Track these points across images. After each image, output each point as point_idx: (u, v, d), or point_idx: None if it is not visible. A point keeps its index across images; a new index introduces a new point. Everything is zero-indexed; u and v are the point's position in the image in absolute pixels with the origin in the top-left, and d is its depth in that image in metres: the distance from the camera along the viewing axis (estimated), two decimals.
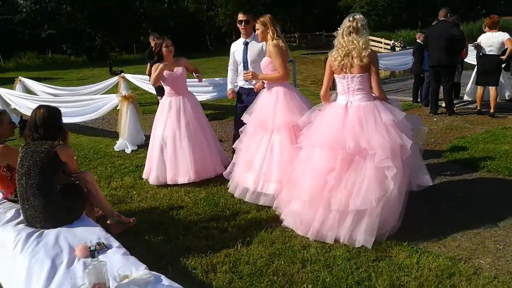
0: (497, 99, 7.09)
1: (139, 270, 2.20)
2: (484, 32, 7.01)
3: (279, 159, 3.79)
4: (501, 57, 6.74)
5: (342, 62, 3.27)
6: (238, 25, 4.47)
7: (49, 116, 3.01)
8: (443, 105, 7.56)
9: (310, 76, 17.96)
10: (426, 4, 47.67)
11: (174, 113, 4.53)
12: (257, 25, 4.00)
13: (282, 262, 2.94)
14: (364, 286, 2.65)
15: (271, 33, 3.94)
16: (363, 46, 3.22)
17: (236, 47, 4.55)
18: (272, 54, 3.87)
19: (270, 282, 2.72)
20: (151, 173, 4.59)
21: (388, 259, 2.93)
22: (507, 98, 8.27)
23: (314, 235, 3.23)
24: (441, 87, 7.42)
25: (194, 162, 4.47)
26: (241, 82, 4.59)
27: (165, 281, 2.15)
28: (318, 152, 3.32)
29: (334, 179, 3.16)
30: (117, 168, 5.28)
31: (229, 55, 4.74)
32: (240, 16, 4.43)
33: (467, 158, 4.96)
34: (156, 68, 4.43)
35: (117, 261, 2.32)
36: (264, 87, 4.10)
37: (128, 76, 9.73)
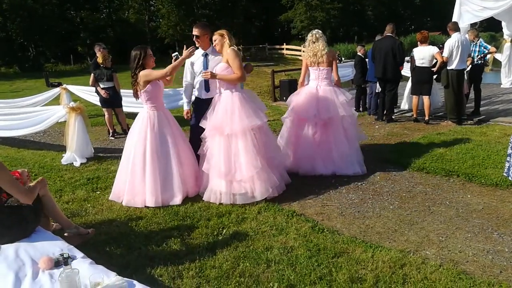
0: (430, 107, 7.76)
1: (110, 277, 2.18)
2: (417, 46, 7.68)
3: (246, 159, 4.07)
4: (432, 69, 7.40)
5: (311, 59, 5.05)
6: (193, 38, 4.55)
7: None
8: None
9: (256, 88, 18.27)
10: (360, 20, 50.77)
11: (163, 129, 4.21)
12: (215, 36, 4.24)
13: (248, 264, 3.03)
14: (326, 280, 2.80)
15: (228, 41, 4.21)
16: (322, 48, 5.01)
17: (194, 58, 4.59)
18: (230, 57, 4.12)
19: (237, 284, 2.79)
20: (140, 194, 4.15)
21: (346, 255, 3.12)
22: (438, 106, 9.03)
23: (323, 172, 4.97)
24: None
25: (190, 178, 4.37)
26: (200, 89, 4.64)
27: (138, 285, 2.15)
28: (304, 122, 5.02)
29: (319, 137, 5.01)
30: (66, 181, 5.07)
31: None
32: (193, 31, 4.54)
33: (407, 161, 5.37)
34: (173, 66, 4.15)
35: (86, 270, 2.28)
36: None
37: (71, 88, 9.39)
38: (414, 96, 7.91)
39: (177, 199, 4.18)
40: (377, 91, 8.38)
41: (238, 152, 4.11)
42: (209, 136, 4.27)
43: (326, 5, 43.23)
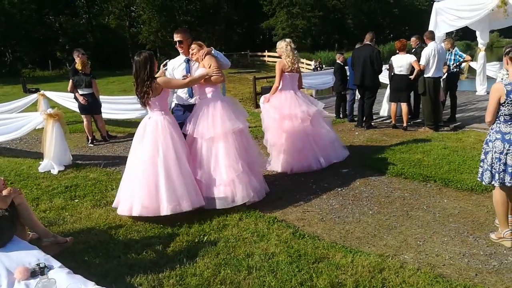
0: (408, 114, 7.92)
1: (88, 287, 2.14)
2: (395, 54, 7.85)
3: (227, 162, 4.07)
4: (410, 77, 7.57)
5: (291, 66, 5.40)
6: (175, 44, 4.53)
7: None
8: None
9: (238, 94, 18.31)
10: (340, 28, 51.63)
11: (172, 133, 4.00)
12: (193, 45, 4.29)
13: (229, 271, 3.02)
14: (306, 286, 2.82)
15: (204, 49, 4.31)
16: (298, 57, 5.58)
17: (175, 64, 4.58)
18: (206, 60, 4.21)
19: None
20: (185, 198, 3.87)
21: (326, 260, 3.15)
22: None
23: (309, 168, 5.42)
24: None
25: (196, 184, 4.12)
26: (182, 95, 4.59)
27: None
28: (289, 123, 5.32)
29: (311, 131, 5.45)
30: (44, 189, 4.96)
31: None
32: (175, 37, 4.51)
33: (386, 167, 5.47)
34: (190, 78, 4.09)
35: (63, 279, 2.24)
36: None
37: (49, 94, 9.21)
38: (392, 103, 8.07)
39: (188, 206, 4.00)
40: (356, 98, 8.53)
41: (218, 155, 4.11)
42: (190, 141, 4.26)
43: (307, 13, 43.86)
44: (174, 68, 4.59)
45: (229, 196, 4.11)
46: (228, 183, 4.09)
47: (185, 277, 2.96)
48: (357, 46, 8.52)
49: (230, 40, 41.92)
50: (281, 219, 4.00)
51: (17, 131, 6.08)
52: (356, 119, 8.53)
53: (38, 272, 2.33)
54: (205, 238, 3.58)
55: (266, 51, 36.54)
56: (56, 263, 2.52)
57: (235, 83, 21.37)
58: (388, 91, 8.78)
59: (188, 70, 4.47)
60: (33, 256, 2.56)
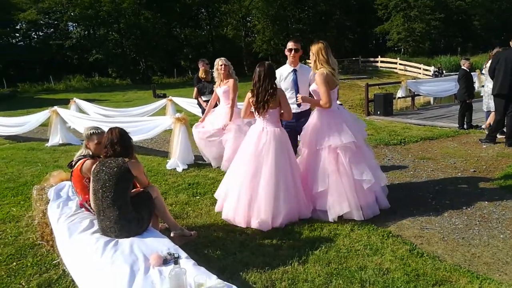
0: None
1: (211, 279, 2.33)
2: None
3: (320, 175, 4.09)
4: None
5: None
6: (287, 52, 4.54)
7: (124, 135, 3.30)
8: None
9: (348, 101, 17.97)
10: (465, 31, 46.99)
11: (280, 145, 4.03)
12: (310, 54, 4.21)
13: (341, 281, 2.99)
14: None
15: (317, 62, 4.16)
16: None
17: (283, 74, 4.61)
18: (317, 82, 4.10)
19: None
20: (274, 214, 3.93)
21: (448, 284, 2.92)
22: None
23: None
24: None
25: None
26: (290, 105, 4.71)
27: None
28: None
29: None
30: (170, 185, 5.51)
31: None
32: (291, 45, 4.51)
33: None
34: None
35: (190, 270, 2.46)
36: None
37: (176, 99, 10.20)
38: None
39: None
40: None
41: (317, 167, 4.10)
42: (303, 151, 4.37)
43: (426, 16, 40.99)
44: (282, 78, 4.61)
45: (328, 209, 4.06)
46: (337, 196, 4.02)
47: (297, 281, 3.01)
48: (496, 49, 7.51)
49: (341, 46, 41.25)
50: (396, 234, 3.81)
51: (149, 132, 6.87)
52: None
53: (169, 260, 2.60)
54: (316, 245, 3.58)
55: (379, 56, 35.22)
56: (183, 254, 2.78)
57: (345, 89, 21.00)
58: None
59: (296, 80, 4.52)
60: (164, 245, 2.87)
